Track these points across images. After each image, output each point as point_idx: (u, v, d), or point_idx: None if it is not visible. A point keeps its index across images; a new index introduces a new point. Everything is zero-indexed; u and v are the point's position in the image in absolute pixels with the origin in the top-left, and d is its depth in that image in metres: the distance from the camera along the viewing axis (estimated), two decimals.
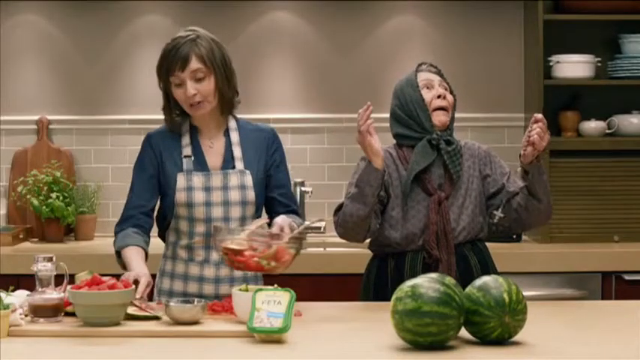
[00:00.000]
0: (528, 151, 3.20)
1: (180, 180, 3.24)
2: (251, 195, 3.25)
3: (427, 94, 3.34)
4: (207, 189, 3.24)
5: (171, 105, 3.28)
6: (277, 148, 3.35)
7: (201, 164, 3.27)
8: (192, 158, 3.27)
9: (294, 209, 3.35)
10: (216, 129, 3.31)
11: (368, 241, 3.38)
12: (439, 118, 3.33)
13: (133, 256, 3.16)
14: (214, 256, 3.21)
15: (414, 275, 3.19)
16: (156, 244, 3.34)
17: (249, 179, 3.26)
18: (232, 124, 3.33)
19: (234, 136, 3.30)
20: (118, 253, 3.23)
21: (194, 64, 3.19)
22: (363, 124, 3.11)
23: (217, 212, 3.23)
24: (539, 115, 3.19)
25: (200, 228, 3.24)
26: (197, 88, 3.19)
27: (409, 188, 3.30)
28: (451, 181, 3.32)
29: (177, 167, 3.26)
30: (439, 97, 3.34)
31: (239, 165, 3.27)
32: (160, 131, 3.34)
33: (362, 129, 3.12)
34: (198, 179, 3.24)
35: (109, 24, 4.96)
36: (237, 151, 3.29)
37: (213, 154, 3.30)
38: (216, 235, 3.01)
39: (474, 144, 3.44)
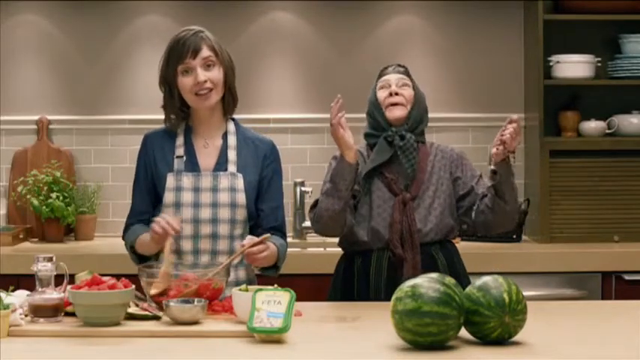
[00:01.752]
0: (499, 151, 3.25)
1: (170, 180, 3.22)
2: (241, 198, 3.22)
3: (382, 94, 3.46)
4: (197, 190, 3.21)
5: (174, 99, 3.24)
6: (272, 161, 3.32)
7: (192, 165, 3.25)
8: (184, 158, 3.24)
9: (277, 226, 3.30)
10: (215, 130, 3.29)
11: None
12: (392, 114, 3.43)
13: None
14: (203, 259, 3.18)
15: (379, 273, 3.32)
16: None
17: (240, 182, 3.23)
18: (231, 127, 3.31)
19: (232, 140, 3.28)
20: (133, 248, 3.23)
21: (205, 51, 3.20)
22: (334, 117, 3.18)
23: (205, 214, 3.20)
24: (515, 116, 3.26)
25: (187, 231, 3.20)
26: (207, 75, 3.19)
27: (371, 184, 3.37)
28: (419, 182, 3.38)
29: (169, 168, 3.24)
30: (391, 94, 3.42)
31: (232, 168, 3.24)
32: (157, 132, 3.32)
33: (333, 122, 3.20)
34: (187, 180, 3.22)
35: (109, 24, 4.96)
36: (231, 155, 3.26)
37: (207, 155, 3.27)
38: (142, 277, 2.98)
39: (447, 146, 3.52)
